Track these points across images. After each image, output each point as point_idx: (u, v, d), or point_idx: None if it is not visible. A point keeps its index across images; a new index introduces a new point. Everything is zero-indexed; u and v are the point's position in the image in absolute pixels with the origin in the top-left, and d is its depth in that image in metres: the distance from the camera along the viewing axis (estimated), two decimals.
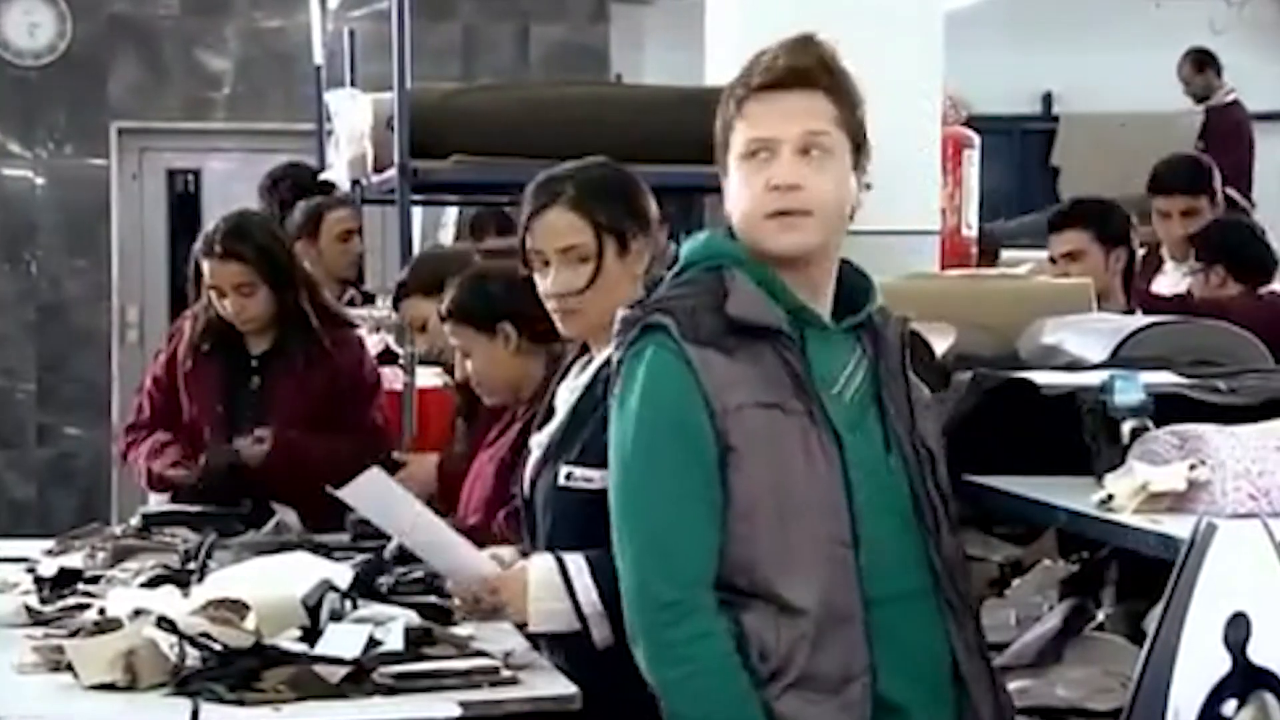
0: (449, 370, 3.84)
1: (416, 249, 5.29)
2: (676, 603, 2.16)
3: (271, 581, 2.93)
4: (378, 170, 5.02)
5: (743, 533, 2.15)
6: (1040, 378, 2.49)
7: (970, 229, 6.23)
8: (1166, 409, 2.25)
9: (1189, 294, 4.93)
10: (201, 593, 2.94)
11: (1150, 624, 1.94)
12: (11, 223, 7.93)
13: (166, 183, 8.34)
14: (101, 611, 2.93)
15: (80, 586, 3.24)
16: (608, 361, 2.56)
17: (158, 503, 4.04)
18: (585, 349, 2.75)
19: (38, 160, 7.94)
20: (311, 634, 2.75)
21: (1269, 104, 9.22)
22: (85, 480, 7.74)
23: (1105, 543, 2.69)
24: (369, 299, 5.32)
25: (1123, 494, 2.05)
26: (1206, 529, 1.79)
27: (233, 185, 7.55)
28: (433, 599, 2.99)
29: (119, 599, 2.99)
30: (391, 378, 4.44)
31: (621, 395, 2.25)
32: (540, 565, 2.60)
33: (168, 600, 2.93)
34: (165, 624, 2.68)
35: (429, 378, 4.17)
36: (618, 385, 2.26)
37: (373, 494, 2.73)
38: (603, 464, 2.42)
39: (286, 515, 3.70)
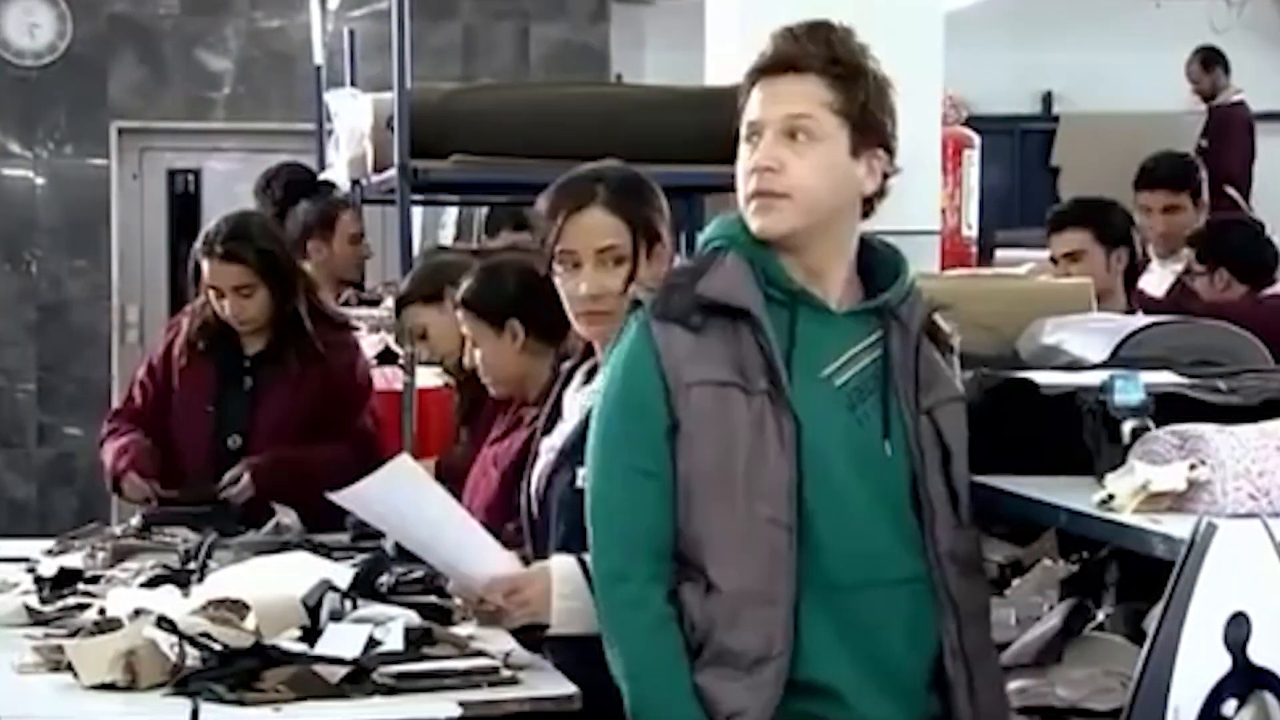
0: (449, 371, 3.84)
1: (416, 249, 5.30)
2: (616, 570, 2.24)
3: (271, 581, 2.93)
4: (378, 170, 5.02)
5: (683, 509, 2.19)
6: (1040, 377, 2.48)
7: (970, 229, 6.23)
8: (1167, 409, 2.25)
9: (1177, 291, 4.93)
10: (201, 593, 2.94)
11: (1150, 624, 1.93)
12: (12, 222, 7.94)
13: (167, 183, 8.34)
14: (101, 611, 2.93)
15: (80, 586, 3.24)
16: None
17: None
18: (590, 353, 2.74)
19: (38, 160, 7.95)
20: (311, 634, 2.75)
21: (1269, 104, 9.22)
22: (85, 480, 7.74)
23: (1105, 542, 2.69)
24: (372, 302, 5.32)
25: (1123, 494, 2.05)
26: (1207, 529, 1.79)
27: (233, 185, 7.56)
28: (433, 599, 2.99)
29: (119, 599, 2.99)
30: (391, 377, 4.44)
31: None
32: (563, 565, 2.58)
33: (168, 600, 2.93)
34: (165, 624, 2.68)
35: (429, 378, 4.17)
36: None
37: (401, 485, 2.71)
38: None
39: (286, 515, 3.70)
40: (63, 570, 3.31)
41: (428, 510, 2.71)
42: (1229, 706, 1.78)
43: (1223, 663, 1.78)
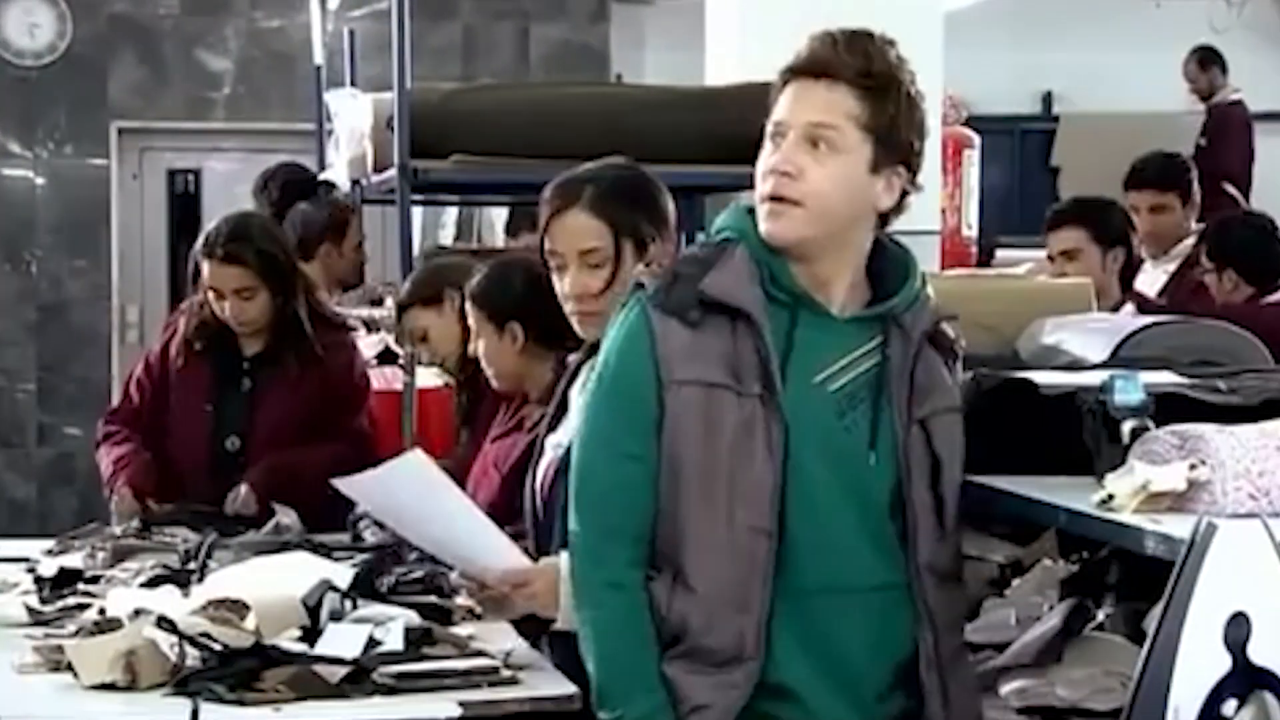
0: (449, 372, 3.85)
1: (416, 249, 5.30)
2: (595, 551, 2.23)
3: (271, 581, 2.93)
4: (378, 170, 5.02)
5: (664, 501, 2.19)
6: (1040, 377, 2.48)
7: (970, 229, 6.23)
8: (1167, 409, 2.25)
9: (1171, 289, 4.92)
10: (201, 593, 2.94)
11: (1150, 624, 1.93)
12: (12, 222, 7.94)
13: (167, 183, 8.34)
14: (101, 611, 2.93)
15: (80, 586, 3.24)
16: None
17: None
18: (595, 350, 2.74)
19: (38, 160, 7.95)
20: (311, 634, 2.76)
21: (1269, 104, 9.23)
22: (85, 480, 7.73)
23: (1105, 542, 2.69)
24: (375, 302, 5.33)
25: (1123, 494, 2.05)
26: (1207, 529, 1.79)
27: (233, 185, 7.56)
28: (433, 599, 3.00)
29: (119, 599, 2.99)
30: (391, 378, 4.44)
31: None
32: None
33: (168, 600, 2.93)
34: (165, 624, 2.68)
35: (429, 378, 4.17)
36: None
37: (411, 478, 2.70)
38: None
39: (286, 516, 3.70)
40: (63, 570, 3.31)
41: (438, 504, 2.70)
42: (1229, 706, 1.78)
43: (1223, 663, 1.78)
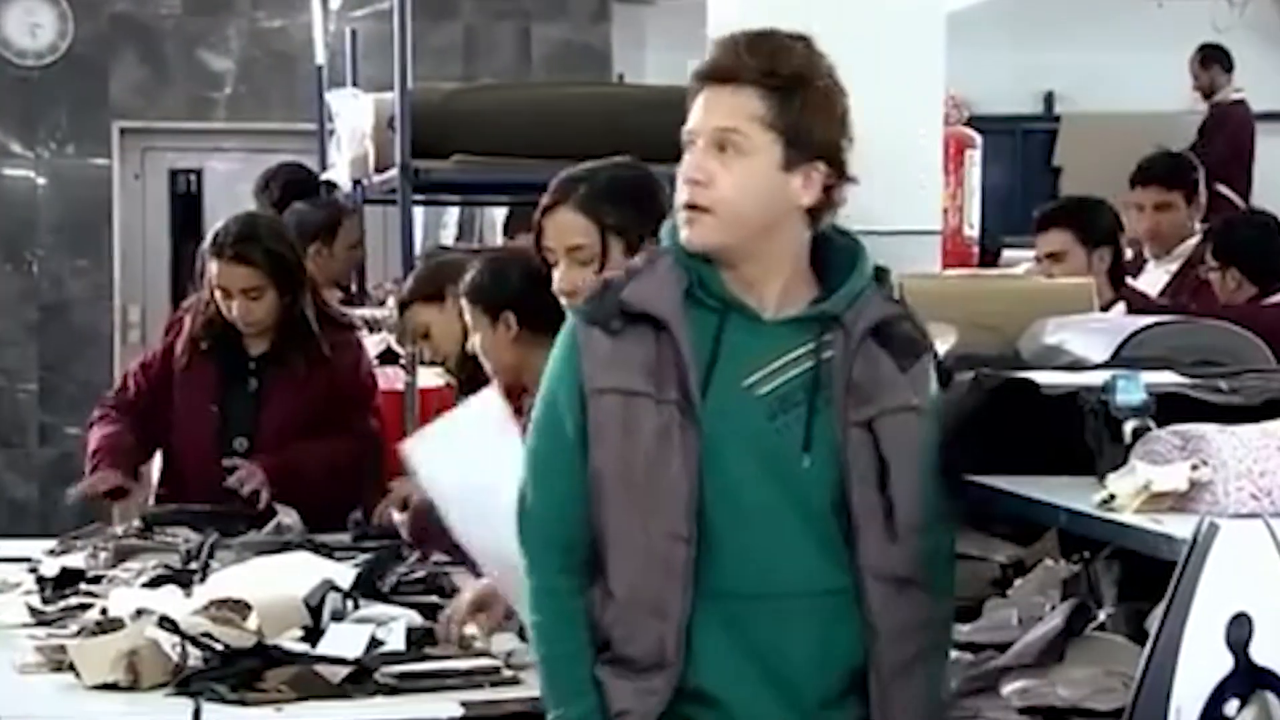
0: (450, 371, 3.85)
1: (418, 249, 5.30)
2: (531, 558, 2.26)
3: (273, 581, 2.94)
4: (379, 170, 5.02)
5: (592, 511, 2.20)
6: (1042, 378, 2.48)
7: (972, 229, 6.22)
8: (1168, 409, 2.24)
9: (1172, 288, 4.92)
10: (203, 593, 2.95)
11: (1152, 624, 1.93)
12: (13, 222, 7.94)
13: (168, 182, 8.34)
14: (103, 611, 2.94)
15: (82, 586, 3.24)
16: None
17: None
18: None
19: (39, 160, 7.95)
20: (313, 634, 2.76)
21: (1271, 103, 9.22)
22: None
23: (1107, 542, 2.69)
24: (379, 302, 5.32)
25: (1124, 494, 2.04)
26: (1208, 529, 1.79)
27: (234, 185, 7.56)
28: (434, 599, 3.00)
29: (121, 599, 3.00)
30: (393, 377, 4.44)
31: None
32: None
33: (169, 600, 2.93)
34: (167, 624, 2.69)
35: (430, 378, 4.17)
36: None
37: (483, 418, 2.69)
38: None
39: (288, 516, 3.70)
40: (65, 570, 3.32)
41: (501, 451, 2.64)
42: (1231, 707, 1.78)
43: (1225, 663, 1.78)
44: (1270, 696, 1.80)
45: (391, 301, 4.87)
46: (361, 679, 2.63)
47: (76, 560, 3.43)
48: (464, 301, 3.41)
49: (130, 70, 7.99)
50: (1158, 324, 2.87)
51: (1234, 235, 4.83)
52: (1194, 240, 5.05)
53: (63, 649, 2.72)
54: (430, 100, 4.78)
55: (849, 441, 2.17)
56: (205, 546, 3.40)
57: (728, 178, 2.17)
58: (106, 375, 7.98)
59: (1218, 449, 2.03)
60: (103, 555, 3.44)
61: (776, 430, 2.17)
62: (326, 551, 3.38)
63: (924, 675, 2.26)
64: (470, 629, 2.81)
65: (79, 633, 2.84)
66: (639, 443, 2.15)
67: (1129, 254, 5.07)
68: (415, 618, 2.83)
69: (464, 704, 2.56)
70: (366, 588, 3.00)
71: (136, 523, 3.74)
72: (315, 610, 2.80)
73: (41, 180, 7.96)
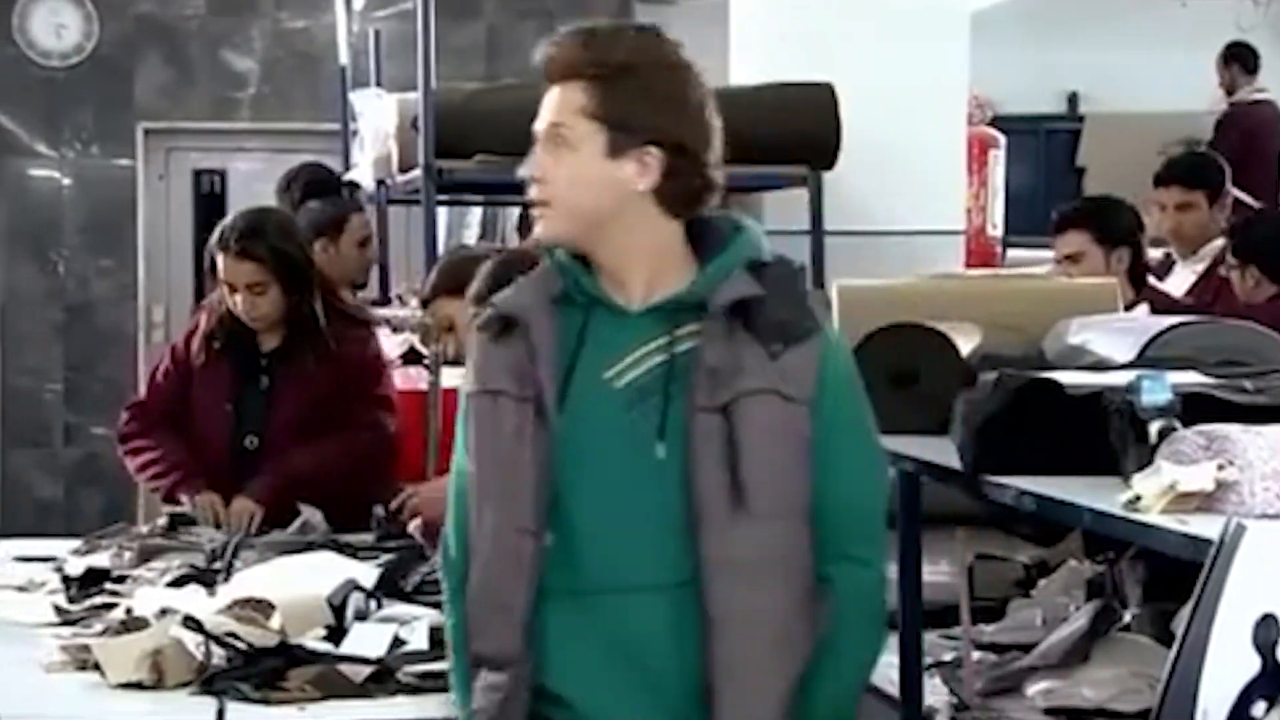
0: None
1: (441, 249, 5.31)
2: (443, 559, 2.31)
3: (296, 581, 2.94)
4: (402, 170, 5.03)
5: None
6: (1066, 378, 2.47)
7: (995, 229, 6.22)
8: (1193, 409, 2.23)
9: (1198, 289, 4.90)
10: (227, 592, 2.95)
11: (1178, 625, 1.93)
12: (38, 223, 7.97)
13: (192, 183, 8.37)
14: (128, 611, 2.94)
15: (107, 586, 3.25)
16: None
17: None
18: None
19: (64, 160, 7.98)
20: (336, 633, 2.76)
21: None
22: (112, 480, 7.76)
23: (1132, 543, 2.68)
24: (384, 302, 5.32)
25: (1150, 494, 2.04)
26: (1235, 529, 1.78)
27: (258, 185, 7.57)
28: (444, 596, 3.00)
29: (145, 598, 3.00)
30: (416, 377, 4.44)
31: None
32: None
33: (194, 600, 2.94)
34: (191, 623, 2.69)
35: (454, 378, 4.17)
36: None
37: None
38: None
39: (311, 515, 3.71)
40: (90, 570, 3.33)
41: None
42: (1258, 708, 1.77)
43: (1252, 664, 1.77)
44: None
45: (414, 300, 4.87)
46: (384, 679, 2.64)
47: (101, 560, 3.44)
48: (471, 308, 3.42)
49: (154, 71, 8.02)
50: (1182, 324, 2.86)
51: (1253, 234, 4.80)
52: (1221, 240, 5.03)
53: (88, 648, 2.73)
54: (453, 100, 4.78)
55: (696, 428, 2.14)
56: (229, 546, 3.41)
57: (559, 171, 2.21)
58: (131, 375, 8.01)
59: (1243, 449, 2.02)
60: (127, 555, 3.45)
61: (632, 421, 2.16)
62: (350, 551, 3.38)
63: (779, 673, 2.16)
64: None
65: (104, 632, 2.85)
66: (501, 441, 2.18)
67: (1159, 255, 5.05)
68: (438, 617, 2.83)
69: None
70: (389, 587, 3.01)
71: (161, 521, 3.74)
72: (338, 610, 2.80)
73: (66, 180, 8.00)
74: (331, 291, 4.11)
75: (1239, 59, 8.67)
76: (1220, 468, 2.01)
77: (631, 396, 2.17)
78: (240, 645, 2.65)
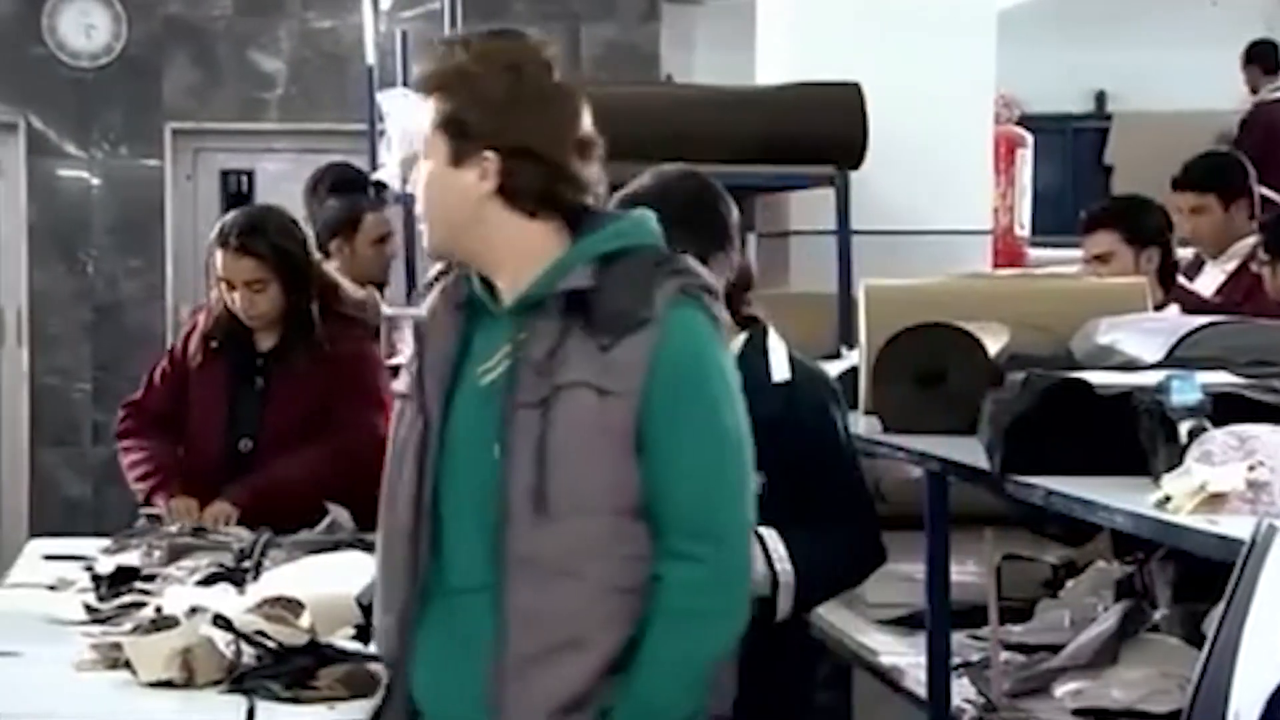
0: None
1: None
2: None
3: (325, 580, 2.95)
4: None
5: None
6: (1095, 378, 2.47)
7: (1023, 228, 6.21)
8: (1224, 409, 2.23)
9: (1228, 288, 4.87)
10: (256, 591, 2.96)
11: (1209, 626, 1.92)
12: (68, 223, 8.00)
13: (220, 183, 8.39)
14: (158, 609, 2.95)
15: (137, 585, 3.26)
16: None
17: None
18: None
19: (93, 160, 8.01)
20: (365, 632, 2.77)
21: None
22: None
23: (1161, 544, 2.67)
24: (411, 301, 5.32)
25: (1180, 495, 2.03)
26: (1267, 530, 1.77)
27: (285, 185, 7.58)
28: None
29: (175, 597, 3.01)
30: None
31: None
32: None
33: (223, 598, 2.95)
34: (221, 622, 2.70)
35: None
36: None
37: None
38: None
39: (339, 514, 3.71)
40: (119, 568, 3.34)
41: None
42: None
43: None
44: None
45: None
46: None
47: (131, 558, 3.45)
48: None
49: (183, 71, 8.04)
50: (1212, 324, 2.85)
51: None
52: (1251, 240, 5.00)
53: (118, 646, 2.74)
54: None
55: (514, 424, 2.15)
56: (258, 545, 3.42)
57: (420, 185, 2.27)
58: None
59: (1274, 449, 2.02)
60: (157, 553, 3.46)
61: (485, 421, 2.18)
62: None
63: (567, 676, 2.13)
64: None
65: (134, 630, 2.86)
66: (396, 446, 2.26)
67: (1188, 254, 5.03)
68: None
69: None
70: None
71: (190, 521, 3.75)
72: (367, 609, 2.81)
73: (95, 181, 8.03)
74: (330, 293, 4.06)
75: (1259, 59, 8.63)
76: (1251, 468, 2.00)
77: (489, 395, 2.19)
78: (270, 644, 2.66)
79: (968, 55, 5.25)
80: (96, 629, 2.98)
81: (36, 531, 4.40)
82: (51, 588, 3.38)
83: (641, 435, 2.14)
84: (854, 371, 3.40)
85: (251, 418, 3.89)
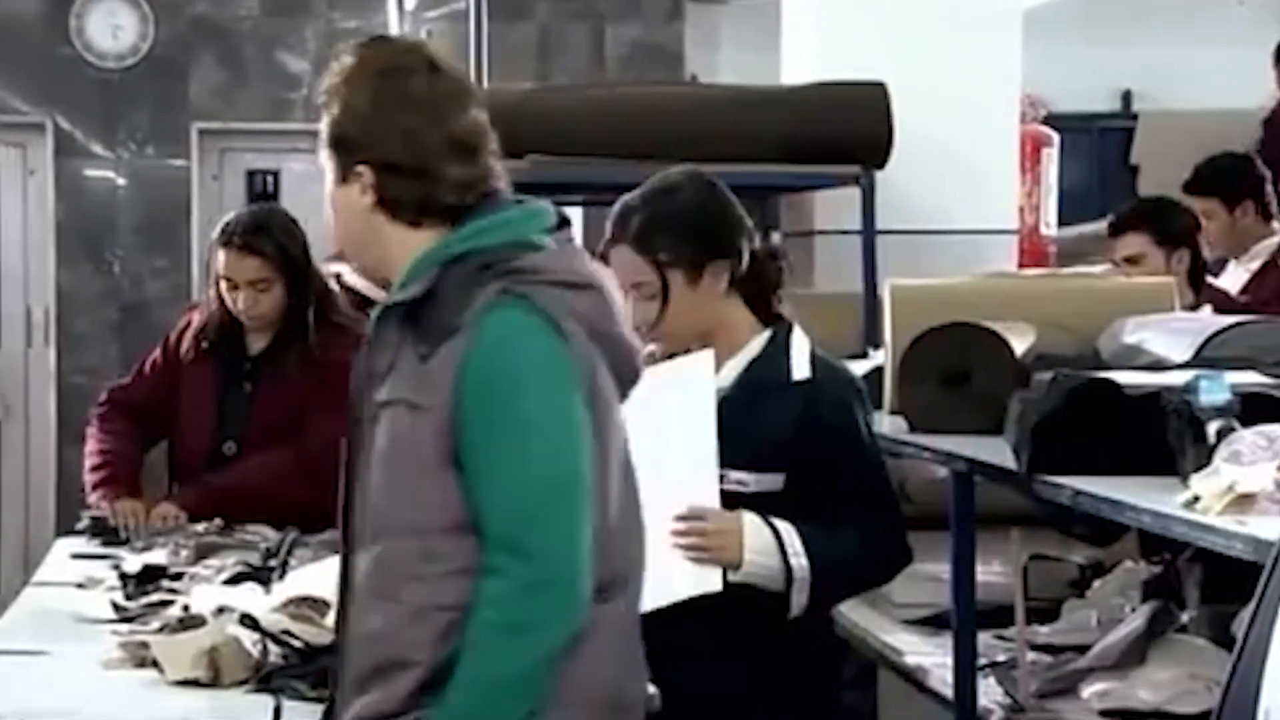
0: None
1: None
2: None
3: None
4: None
5: None
6: (1123, 378, 2.46)
7: (1049, 227, 6.18)
8: (1252, 409, 2.22)
9: (1253, 286, 4.85)
10: (282, 590, 2.96)
11: (1237, 627, 1.91)
12: (94, 223, 8.04)
13: (246, 183, 8.41)
14: (185, 608, 2.96)
15: (164, 583, 3.27)
16: (748, 369, 2.71)
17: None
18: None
19: (119, 161, 8.04)
20: None
21: None
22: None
23: (1189, 544, 2.66)
24: None
25: (1209, 495, 2.03)
26: None
27: (311, 185, 7.57)
28: None
29: (202, 596, 3.02)
30: None
31: None
32: (754, 520, 2.67)
33: (250, 597, 2.95)
34: (248, 621, 2.71)
35: None
36: None
37: (693, 375, 2.69)
38: (755, 467, 2.66)
39: None
40: (147, 567, 3.35)
41: (695, 411, 2.67)
42: None
43: None
44: None
45: None
46: None
47: (158, 557, 3.46)
48: None
49: (209, 72, 8.07)
50: (1239, 324, 2.84)
51: None
52: (1276, 239, 4.98)
53: (146, 645, 2.75)
54: (505, 101, 4.79)
55: (354, 441, 2.15)
56: (284, 544, 3.43)
57: (325, 206, 2.23)
58: None
59: None
60: (184, 552, 3.47)
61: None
62: None
63: (376, 696, 2.11)
64: None
65: (161, 629, 2.87)
66: None
67: (1211, 254, 5.00)
68: None
69: None
70: None
71: (218, 520, 3.75)
72: None
73: (122, 181, 8.06)
74: (325, 300, 3.99)
75: None
76: None
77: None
78: (296, 643, 2.66)
79: (993, 54, 5.23)
80: (124, 627, 2.98)
81: (64, 530, 4.40)
82: (79, 586, 3.39)
83: (456, 448, 2.06)
84: (879, 371, 3.39)
85: (238, 419, 3.89)
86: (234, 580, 3.20)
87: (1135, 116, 9.65)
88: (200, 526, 3.73)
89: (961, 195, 5.10)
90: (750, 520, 2.66)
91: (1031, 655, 2.94)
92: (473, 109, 2.20)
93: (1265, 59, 8.67)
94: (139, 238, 8.05)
